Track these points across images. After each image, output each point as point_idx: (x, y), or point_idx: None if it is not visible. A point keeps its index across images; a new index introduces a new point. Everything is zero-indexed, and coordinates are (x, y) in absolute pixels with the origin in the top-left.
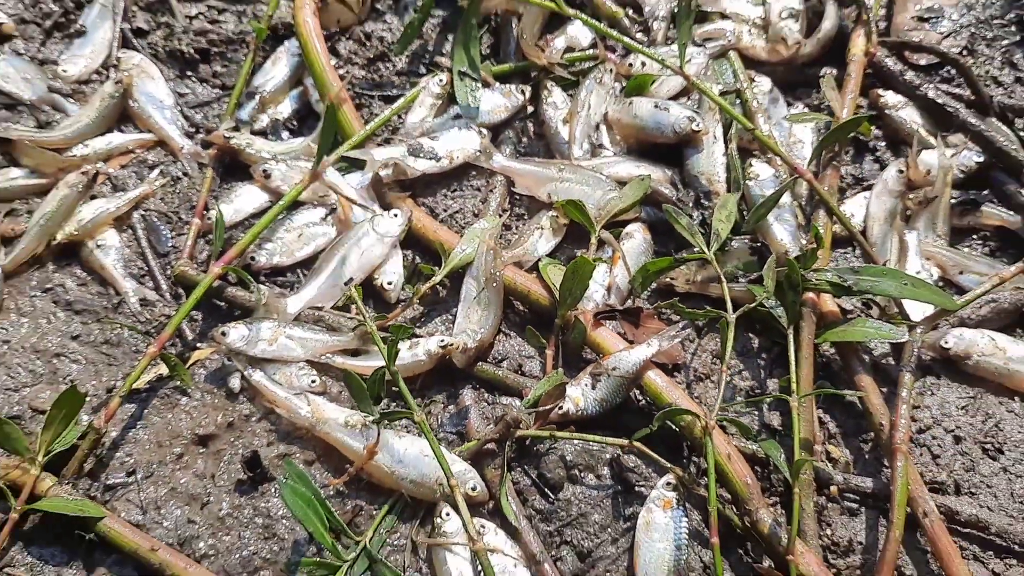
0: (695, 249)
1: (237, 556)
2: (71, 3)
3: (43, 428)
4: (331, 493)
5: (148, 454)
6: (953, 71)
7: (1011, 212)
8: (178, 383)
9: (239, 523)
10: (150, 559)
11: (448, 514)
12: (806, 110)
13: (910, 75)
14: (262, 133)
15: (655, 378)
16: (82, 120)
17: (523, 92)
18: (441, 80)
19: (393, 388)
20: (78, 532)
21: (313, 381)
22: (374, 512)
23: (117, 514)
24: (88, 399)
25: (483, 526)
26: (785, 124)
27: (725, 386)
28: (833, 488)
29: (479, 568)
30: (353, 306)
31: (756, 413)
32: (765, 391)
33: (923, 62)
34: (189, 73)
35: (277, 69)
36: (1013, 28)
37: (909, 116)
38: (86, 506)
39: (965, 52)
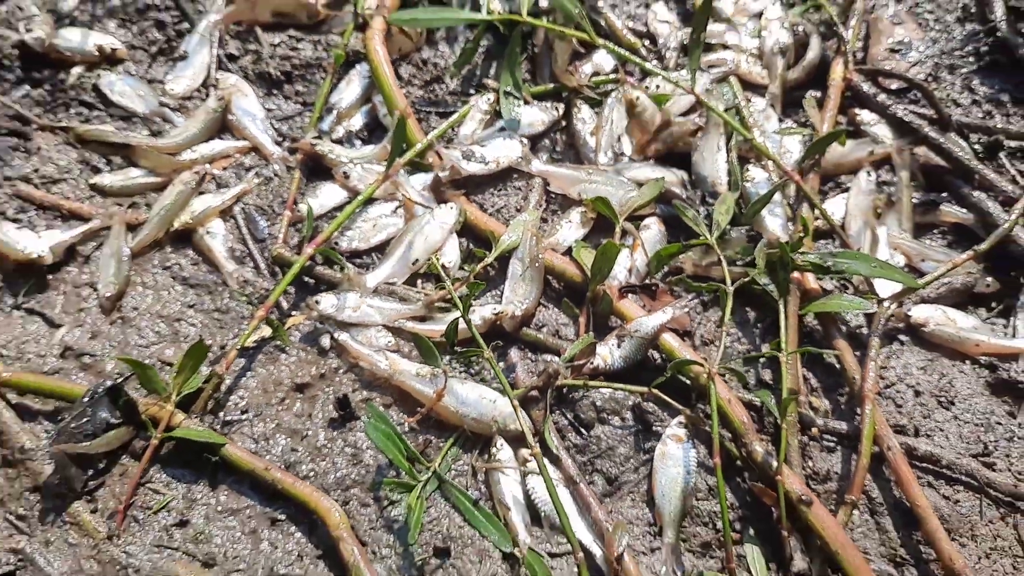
0: (700, 237)
1: (332, 477)
2: (172, 32)
3: (175, 374)
4: (406, 429)
5: (257, 398)
6: (919, 94)
7: (965, 211)
8: (278, 343)
9: (333, 452)
10: (264, 476)
11: (501, 445)
12: (794, 125)
13: (882, 97)
14: (338, 142)
15: (669, 339)
16: (190, 129)
17: (557, 109)
18: (489, 98)
19: (455, 349)
20: (205, 455)
21: (389, 341)
22: (441, 444)
23: (235, 443)
24: None
25: (532, 454)
26: (776, 137)
27: (725, 347)
28: (815, 430)
29: (527, 487)
30: (420, 280)
31: (752, 372)
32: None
33: (894, 86)
34: (275, 92)
35: (350, 89)
36: (971, 59)
37: (881, 131)
38: (211, 435)
39: (930, 78)
